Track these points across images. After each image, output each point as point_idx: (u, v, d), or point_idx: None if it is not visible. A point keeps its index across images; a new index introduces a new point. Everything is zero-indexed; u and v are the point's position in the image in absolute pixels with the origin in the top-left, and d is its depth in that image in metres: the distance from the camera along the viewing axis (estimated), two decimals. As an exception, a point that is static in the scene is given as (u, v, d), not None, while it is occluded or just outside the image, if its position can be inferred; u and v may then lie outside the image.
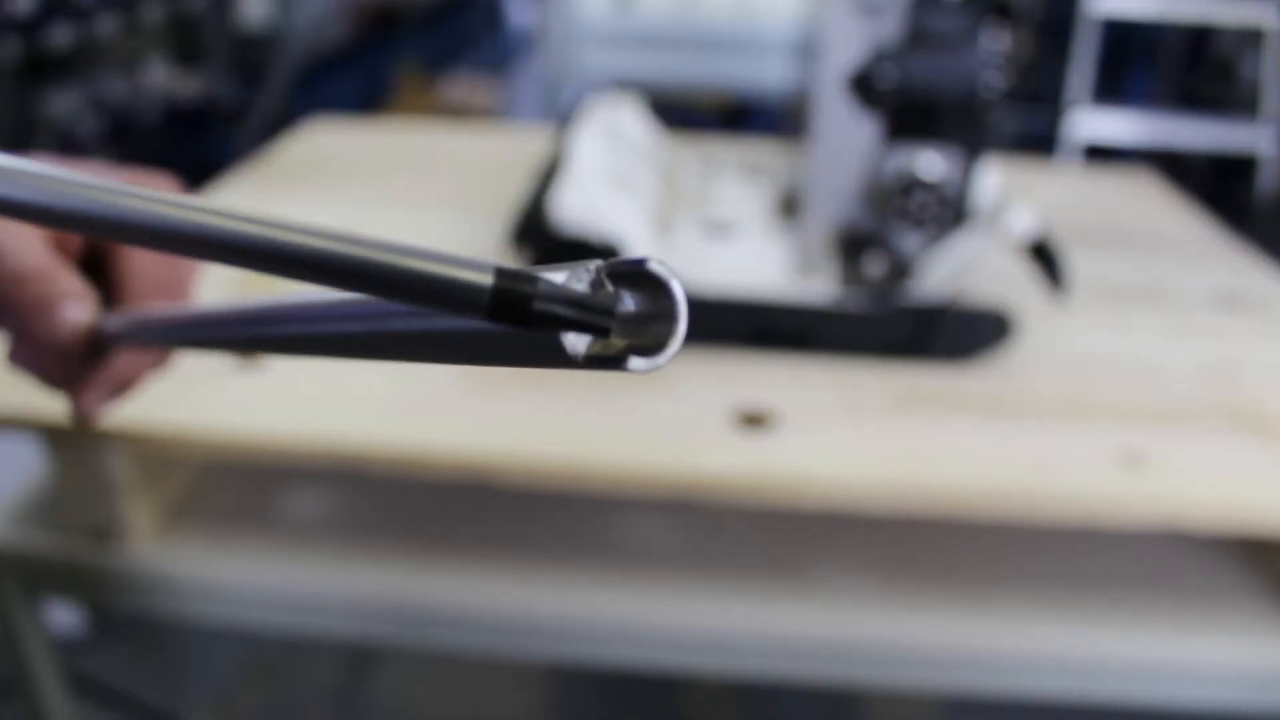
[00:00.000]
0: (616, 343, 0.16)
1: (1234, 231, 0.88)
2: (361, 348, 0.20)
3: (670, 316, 0.16)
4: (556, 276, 0.16)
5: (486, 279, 0.15)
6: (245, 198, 0.83)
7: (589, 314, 0.16)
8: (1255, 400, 0.58)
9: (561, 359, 0.16)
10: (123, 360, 0.34)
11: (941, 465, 0.51)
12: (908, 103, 0.58)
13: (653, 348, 0.16)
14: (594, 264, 0.16)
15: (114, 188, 0.16)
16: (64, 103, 2.12)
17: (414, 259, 0.15)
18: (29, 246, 0.32)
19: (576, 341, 0.16)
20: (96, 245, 0.35)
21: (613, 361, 0.16)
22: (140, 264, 0.35)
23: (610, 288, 0.16)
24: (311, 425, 0.52)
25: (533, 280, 0.15)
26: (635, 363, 0.16)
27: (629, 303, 0.16)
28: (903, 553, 0.58)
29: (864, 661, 0.53)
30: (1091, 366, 0.62)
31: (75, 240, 0.35)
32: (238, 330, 0.24)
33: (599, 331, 0.16)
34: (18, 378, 0.35)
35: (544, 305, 0.15)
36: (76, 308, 0.32)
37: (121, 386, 0.35)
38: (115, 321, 0.32)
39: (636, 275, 0.16)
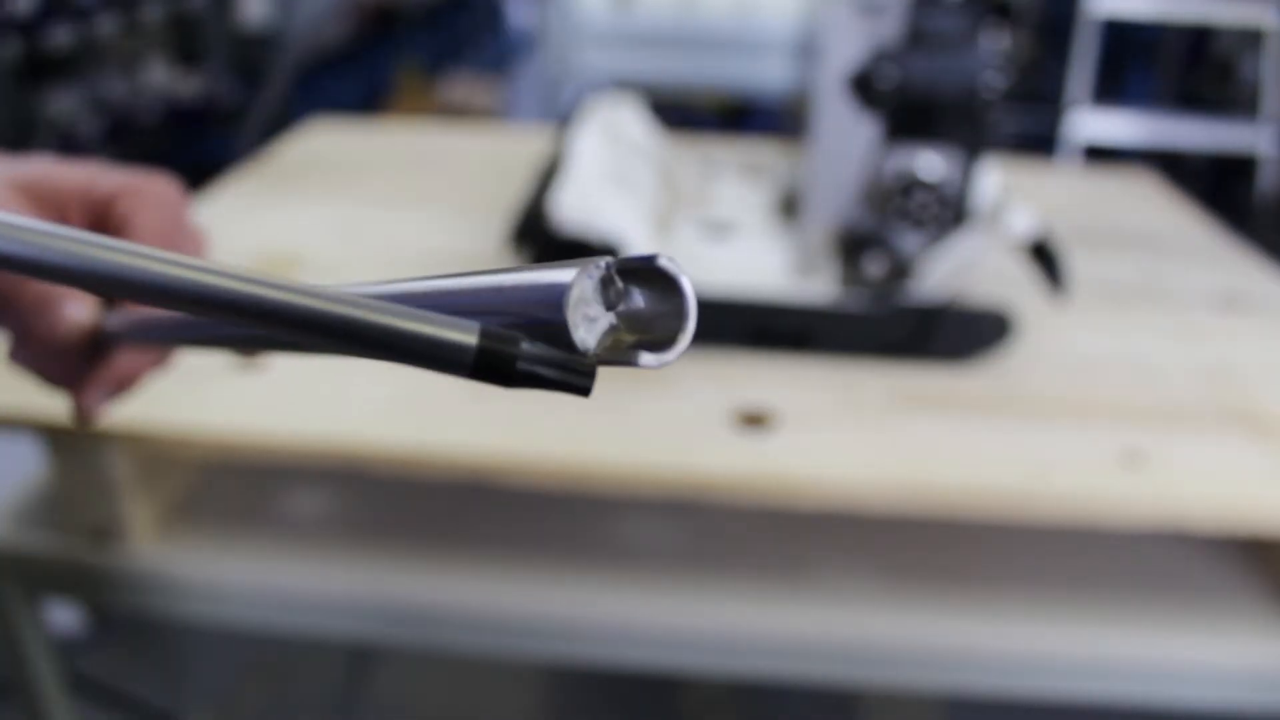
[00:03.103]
0: (627, 338, 0.16)
1: (1234, 231, 0.88)
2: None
3: (680, 313, 0.16)
4: (566, 274, 0.16)
5: (471, 339, 0.15)
6: (245, 198, 0.83)
7: (571, 375, 0.16)
8: (1255, 400, 0.58)
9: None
10: (124, 359, 0.34)
11: (941, 465, 0.51)
12: (908, 103, 0.58)
13: (663, 344, 0.16)
14: (604, 261, 0.16)
15: (114, 245, 0.17)
16: (64, 103, 2.12)
17: (401, 319, 0.15)
18: None
19: (587, 338, 0.16)
20: None
21: (623, 357, 0.16)
22: None
23: (620, 284, 0.16)
24: (311, 425, 0.52)
25: (515, 341, 0.16)
26: (646, 358, 0.16)
27: (638, 299, 0.16)
28: (903, 553, 0.58)
29: (864, 661, 0.53)
30: (1091, 366, 0.62)
31: None
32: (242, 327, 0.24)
33: (579, 392, 0.16)
34: (18, 377, 0.35)
35: (527, 366, 0.16)
36: (77, 306, 0.32)
37: (123, 385, 0.35)
38: (116, 320, 0.32)
39: (646, 272, 0.16)
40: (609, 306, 0.16)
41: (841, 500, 0.49)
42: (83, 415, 0.35)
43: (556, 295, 0.16)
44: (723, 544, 0.58)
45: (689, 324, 0.16)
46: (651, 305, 0.16)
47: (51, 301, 0.31)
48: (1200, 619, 0.54)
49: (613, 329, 0.16)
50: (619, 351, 0.16)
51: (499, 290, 0.17)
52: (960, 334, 0.60)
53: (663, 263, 0.16)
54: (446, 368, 0.16)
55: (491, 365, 0.16)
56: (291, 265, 0.69)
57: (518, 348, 0.16)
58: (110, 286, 0.17)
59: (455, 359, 0.15)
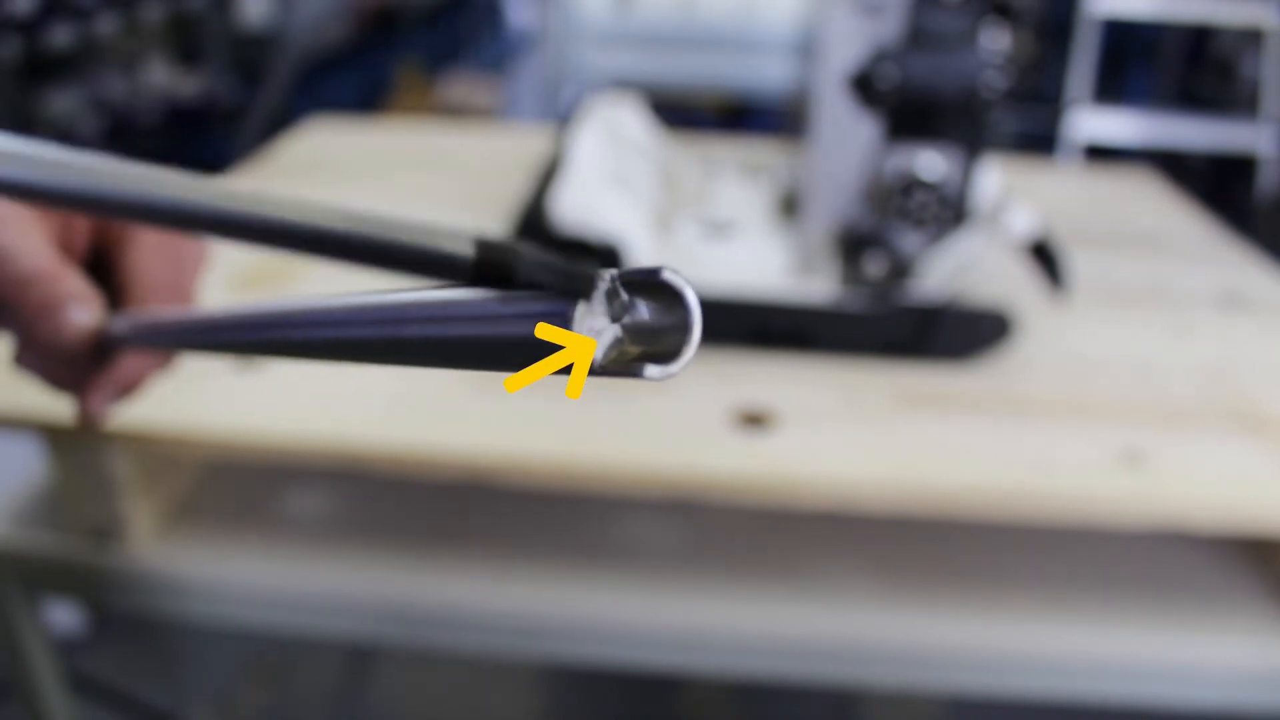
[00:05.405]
0: (631, 350, 0.16)
1: (1234, 231, 0.88)
2: (374, 353, 0.20)
3: (684, 325, 0.16)
4: None
5: (467, 250, 0.16)
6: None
7: (572, 282, 0.16)
8: (1255, 400, 0.58)
9: None
10: (128, 362, 0.34)
11: (941, 465, 0.51)
12: (908, 103, 0.58)
13: (667, 355, 0.16)
14: (609, 273, 0.16)
15: (112, 166, 0.17)
16: (64, 103, 2.12)
17: (401, 231, 0.16)
18: (34, 249, 0.31)
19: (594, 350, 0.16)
20: (102, 247, 0.35)
21: (628, 369, 0.16)
22: (145, 266, 0.35)
23: (625, 296, 0.16)
24: (311, 425, 0.52)
25: (514, 251, 0.16)
26: (650, 370, 0.16)
27: (643, 311, 0.16)
28: (903, 553, 0.58)
29: (864, 661, 0.53)
30: (1091, 366, 0.62)
31: (80, 242, 0.35)
32: (247, 334, 0.24)
33: (580, 294, 0.16)
34: (18, 378, 0.35)
35: (528, 276, 0.16)
36: (82, 310, 0.32)
37: (127, 388, 0.35)
38: (121, 324, 0.32)
39: (651, 284, 0.16)
40: (614, 319, 0.16)
41: (841, 500, 0.49)
42: (88, 418, 0.35)
43: (562, 308, 0.16)
44: (723, 544, 0.58)
45: (694, 336, 0.16)
46: (656, 317, 0.16)
47: (56, 305, 0.31)
48: (1200, 619, 0.54)
49: (618, 341, 0.16)
50: (624, 363, 0.16)
51: (504, 300, 0.17)
52: (960, 334, 0.60)
53: (667, 275, 0.16)
54: (447, 274, 0.16)
55: (489, 278, 0.15)
56: (291, 264, 0.69)
57: (516, 257, 0.15)
58: (111, 208, 0.17)
59: (451, 273, 0.15)
